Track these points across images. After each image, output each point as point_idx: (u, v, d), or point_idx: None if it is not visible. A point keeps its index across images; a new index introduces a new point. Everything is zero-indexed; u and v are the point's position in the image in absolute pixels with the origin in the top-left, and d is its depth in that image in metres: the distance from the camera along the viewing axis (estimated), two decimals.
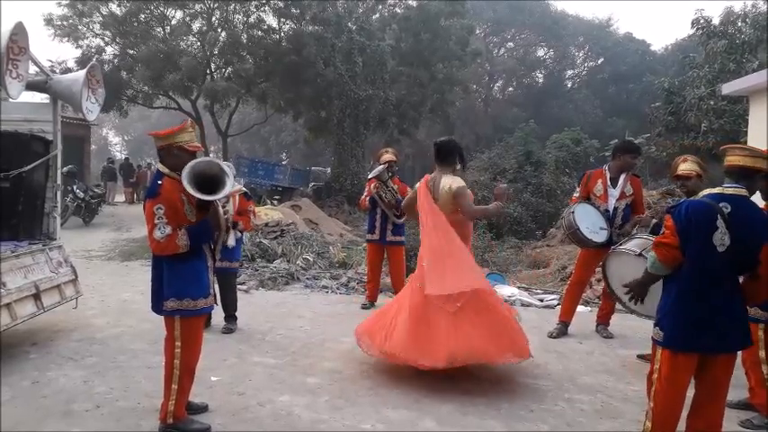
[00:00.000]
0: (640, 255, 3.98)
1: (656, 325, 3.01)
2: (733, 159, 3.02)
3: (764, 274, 2.92)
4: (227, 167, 3.49)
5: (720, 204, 2.87)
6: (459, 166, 4.60)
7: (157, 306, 3.44)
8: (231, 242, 5.38)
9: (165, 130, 3.54)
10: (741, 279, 3.01)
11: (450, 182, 4.41)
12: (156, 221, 3.25)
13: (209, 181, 3.31)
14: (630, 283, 3.26)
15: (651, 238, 4.13)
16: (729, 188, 2.96)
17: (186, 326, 3.41)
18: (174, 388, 3.39)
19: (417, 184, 4.70)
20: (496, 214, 4.27)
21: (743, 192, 2.95)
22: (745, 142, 9.59)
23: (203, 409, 3.74)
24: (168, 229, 3.25)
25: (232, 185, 3.42)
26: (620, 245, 4.51)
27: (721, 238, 2.82)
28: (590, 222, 5.31)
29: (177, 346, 3.39)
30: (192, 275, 3.40)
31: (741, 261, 2.90)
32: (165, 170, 3.41)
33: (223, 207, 3.61)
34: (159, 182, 3.36)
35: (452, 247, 4.35)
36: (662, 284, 3.05)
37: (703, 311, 2.85)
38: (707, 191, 3.05)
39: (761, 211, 2.98)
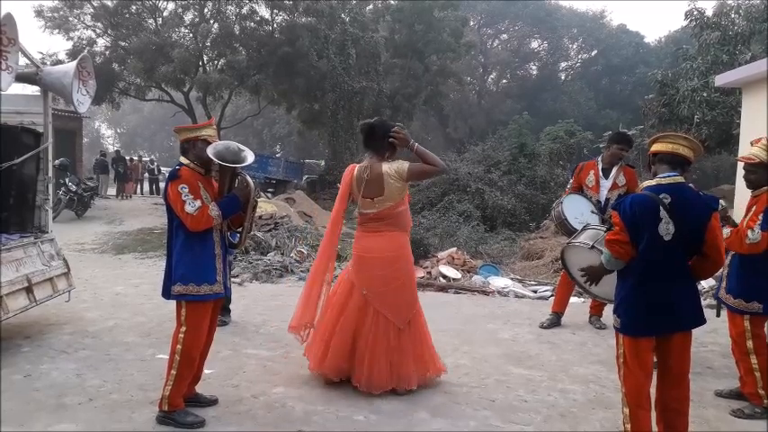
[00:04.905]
0: (593, 247, 4.05)
1: (614, 312, 3.11)
2: (668, 147, 3.06)
3: (709, 253, 3.01)
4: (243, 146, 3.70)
5: (660, 195, 2.94)
6: (387, 154, 4.02)
7: (167, 290, 3.54)
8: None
9: (191, 125, 3.75)
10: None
11: (395, 167, 3.91)
12: (185, 198, 3.37)
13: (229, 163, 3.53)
14: (587, 267, 3.36)
15: (602, 228, 4.24)
16: (666, 178, 3.01)
17: (191, 311, 3.48)
18: (172, 373, 3.45)
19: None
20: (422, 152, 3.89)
21: (679, 179, 3.01)
22: (738, 134, 9.63)
23: (213, 402, 3.77)
24: (198, 203, 3.39)
25: (253, 156, 3.65)
26: (574, 238, 4.53)
27: (666, 228, 2.90)
28: (578, 213, 5.33)
29: (182, 331, 3.47)
30: (196, 261, 3.47)
31: (688, 245, 2.99)
32: (186, 161, 3.57)
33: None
34: (178, 167, 3.52)
35: None
36: (616, 273, 3.13)
37: (656, 297, 2.95)
38: (645, 183, 3.11)
39: (698, 194, 3.05)
